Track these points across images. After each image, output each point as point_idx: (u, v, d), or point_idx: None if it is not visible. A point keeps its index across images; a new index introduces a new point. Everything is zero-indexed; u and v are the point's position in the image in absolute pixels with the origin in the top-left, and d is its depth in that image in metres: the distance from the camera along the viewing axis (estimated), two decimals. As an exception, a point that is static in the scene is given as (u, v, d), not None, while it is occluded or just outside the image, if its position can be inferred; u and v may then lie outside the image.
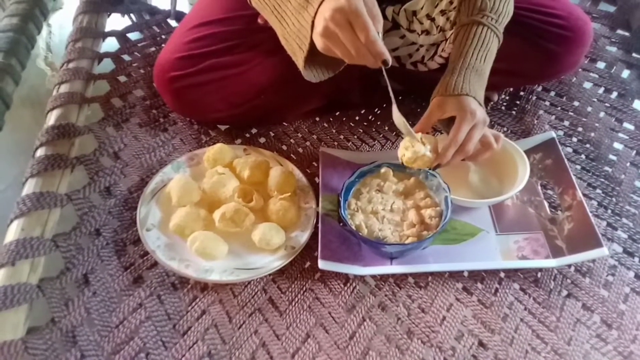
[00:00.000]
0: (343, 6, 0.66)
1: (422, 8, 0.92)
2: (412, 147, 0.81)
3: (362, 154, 1.05)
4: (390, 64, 0.71)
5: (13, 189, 1.25)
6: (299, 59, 0.78)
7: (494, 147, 0.85)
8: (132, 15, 1.34)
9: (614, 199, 0.95)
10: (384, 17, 0.94)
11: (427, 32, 0.95)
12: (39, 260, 0.82)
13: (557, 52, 1.00)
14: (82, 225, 0.88)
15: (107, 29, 1.29)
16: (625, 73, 1.20)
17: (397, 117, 0.80)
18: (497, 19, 0.86)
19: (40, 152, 0.95)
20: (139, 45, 1.26)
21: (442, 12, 0.93)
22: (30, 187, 0.89)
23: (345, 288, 0.84)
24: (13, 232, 0.83)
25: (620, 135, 1.07)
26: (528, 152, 0.97)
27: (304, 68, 0.78)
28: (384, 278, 0.85)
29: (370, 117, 1.14)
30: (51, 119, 1.01)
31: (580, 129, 1.09)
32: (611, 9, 1.34)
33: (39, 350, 0.73)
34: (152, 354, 0.76)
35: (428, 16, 0.93)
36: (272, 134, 1.09)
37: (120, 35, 1.27)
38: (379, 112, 1.15)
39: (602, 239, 0.83)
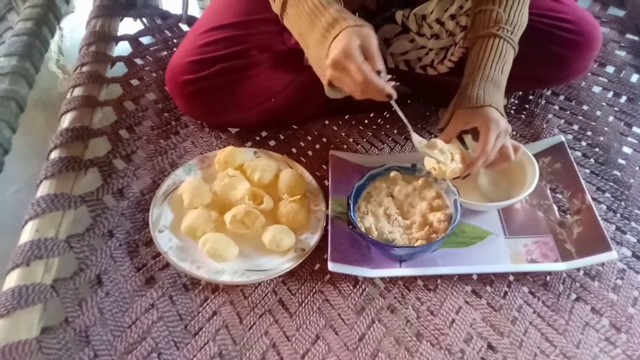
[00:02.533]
0: (338, 57, 0.74)
1: (431, 12, 0.92)
2: (442, 160, 0.83)
3: (371, 157, 1.05)
4: (395, 97, 0.76)
5: (26, 191, 1.26)
6: (323, 82, 0.81)
7: (512, 159, 0.87)
8: (144, 19, 1.35)
9: (623, 203, 0.95)
10: (394, 21, 0.95)
11: (436, 36, 0.96)
12: (53, 261, 0.83)
13: (567, 56, 1.00)
14: (95, 227, 0.89)
15: (120, 33, 1.30)
16: (635, 77, 1.20)
17: (418, 143, 0.82)
18: (513, 31, 0.87)
19: (54, 155, 0.96)
20: (151, 49, 1.28)
21: (452, 17, 0.94)
22: (44, 188, 0.91)
23: (355, 290, 0.85)
24: (27, 233, 0.84)
25: (630, 139, 1.07)
26: (537, 156, 0.97)
27: (328, 87, 0.81)
28: (393, 280, 0.86)
29: (379, 121, 1.15)
30: (65, 121, 1.03)
31: (589, 133, 1.09)
32: (620, 13, 1.34)
33: (52, 350, 0.74)
34: (164, 354, 0.77)
35: (438, 20, 0.94)
36: (282, 137, 1.10)
37: (133, 40, 1.28)
38: (387, 115, 1.16)
39: (611, 242, 0.83)
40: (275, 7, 0.86)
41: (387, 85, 0.75)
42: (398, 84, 0.91)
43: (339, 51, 0.73)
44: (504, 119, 0.84)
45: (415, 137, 0.83)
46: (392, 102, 0.77)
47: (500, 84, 0.87)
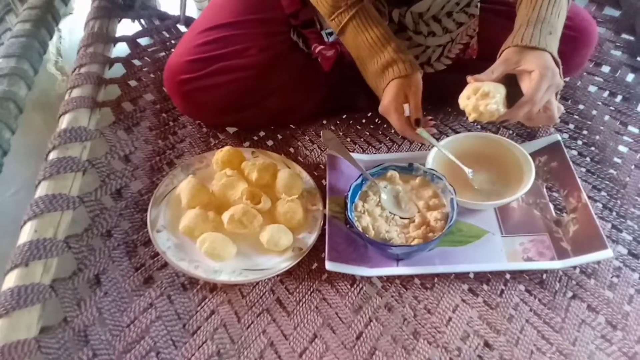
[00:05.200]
0: (383, 109, 0.91)
1: (428, 10, 0.93)
2: (483, 97, 0.78)
3: (368, 156, 1.05)
4: (427, 144, 0.93)
5: (24, 192, 1.27)
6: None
7: (555, 119, 0.83)
8: (142, 20, 1.36)
9: (618, 201, 0.96)
10: (391, 19, 0.96)
11: (433, 34, 0.97)
12: (51, 261, 0.83)
13: (563, 52, 1.01)
14: (93, 227, 0.90)
15: (118, 34, 1.31)
16: (630, 77, 1.20)
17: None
18: None
19: (52, 155, 0.97)
20: (149, 50, 1.29)
21: (449, 14, 0.94)
22: (43, 189, 0.91)
23: (352, 289, 0.85)
24: (26, 234, 0.85)
25: (625, 138, 1.07)
26: (533, 155, 0.97)
27: None
28: (390, 279, 0.86)
29: (376, 120, 1.15)
30: (63, 122, 1.03)
31: (585, 132, 1.09)
32: (616, 13, 1.34)
33: (51, 349, 0.75)
34: (163, 352, 0.77)
35: (434, 18, 0.94)
36: (280, 137, 1.11)
37: (131, 41, 1.29)
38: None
39: (607, 240, 0.84)
40: (332, 25, 0.91)
41: (418, 137, 0.91)
42: (436, 131, 1.00)
43: (385, 103, 0.89)
44: (557, 72, 0.80)
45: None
46: (434, 143, 0.91)
47: (556, 30, 0.82)
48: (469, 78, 0.83)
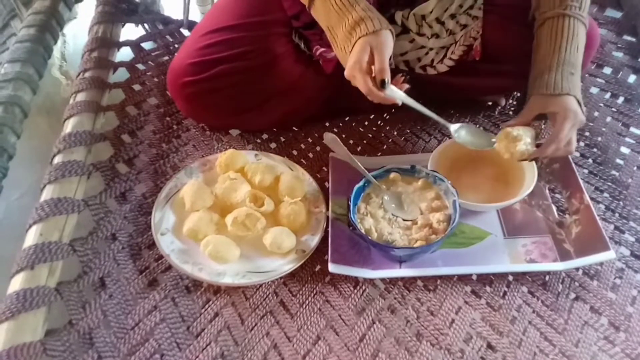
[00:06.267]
0: (349, 70, 0.82)
1: (431, 12, 0.93)
2: (513, 141, 0.85)
3: (371, 158, 1.06)
4: (399, 104, 0.84)
5: (30, 196, 1.28)
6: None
7: (572, 152, 0.88)
8: (145, 25, 1.37)
9: (621, 203, 0.96)
10: (393, 22, 0.96)
11: (436, 36, 0.97)
12: (57, 264, 0.84)
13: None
14: (98, 230, 0.90)
15: (122, 38, 1.32)
16: (632, 78, 1.20)
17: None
18: (580, 6, 0.87)
19: (57, 159, 0.97)
20: (152, 54, 1.29)
21: (452, 16, 0.95)
22: (48, 193, 0.92)
23: (355, 291, 0.85)
24: (32, 237, 0.85)
25: (627, 139, 1.08)
26: (535, 157, 0.98)
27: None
28: (393, 281, 0.86)
29: (379, 122, 1.16)
30: (68, 126, 1.04)
31: (587, 134, 1.09)
32: (617, 15, 1.34)
33: (57, 352, 0.75)
34: (167, 355, 0.78)
35: (437, 20, 0.95)
36: (283, 140, 1.11)
37: (135, 45, 1.30)
38: (387, 117, 1.17)
39: (610, 242, 0.84)
40: None
41: (388, 98, 0.83)
42: (409, 86, 0.93)
43: (350, 64, 0.81)
44: (582, 112, 0.85)
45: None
46: (412, 103, 0.86)
47: (576, 65, 0.86)
48: (502, 125, 0.92)
